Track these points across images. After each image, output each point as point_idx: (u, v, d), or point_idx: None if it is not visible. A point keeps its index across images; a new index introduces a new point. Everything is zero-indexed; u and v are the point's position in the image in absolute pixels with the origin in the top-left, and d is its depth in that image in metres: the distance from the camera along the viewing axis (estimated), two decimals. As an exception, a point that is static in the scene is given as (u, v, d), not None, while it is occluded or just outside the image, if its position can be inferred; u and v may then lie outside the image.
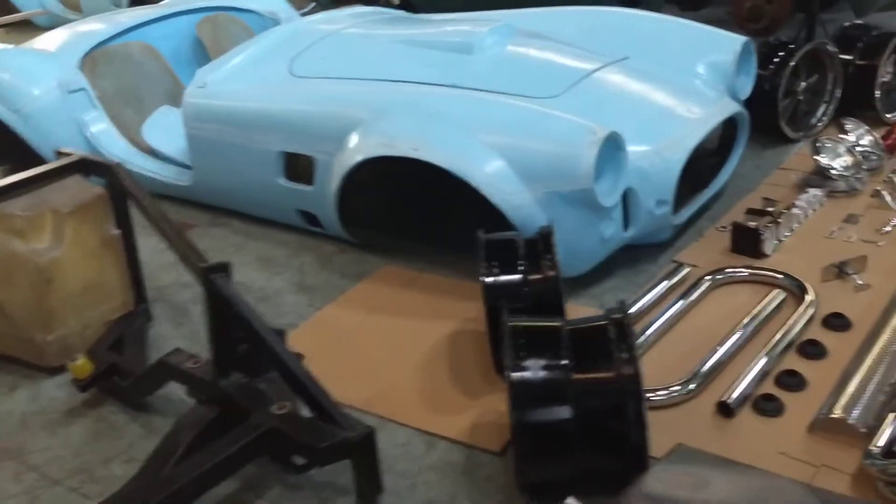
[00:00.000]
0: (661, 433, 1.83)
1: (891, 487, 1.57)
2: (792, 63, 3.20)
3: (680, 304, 2.30)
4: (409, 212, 2.61)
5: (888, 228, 2.58)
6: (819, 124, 3.38)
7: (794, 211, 2.68)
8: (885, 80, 3.40)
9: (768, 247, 2.52)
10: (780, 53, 3.27)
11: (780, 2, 3.99)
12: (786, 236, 2.61)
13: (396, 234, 2.75)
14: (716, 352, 2.06)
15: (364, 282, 2.65)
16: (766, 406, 1.88)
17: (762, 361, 2.00)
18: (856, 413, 1.75)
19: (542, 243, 2.15)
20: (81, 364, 2.09)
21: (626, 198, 2.43)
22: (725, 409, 1.87)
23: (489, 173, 2.29)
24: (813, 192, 2.80)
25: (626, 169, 2.33)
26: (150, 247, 2.66)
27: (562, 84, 2.66)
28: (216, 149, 3.00)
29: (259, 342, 1.75)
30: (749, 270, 2.41)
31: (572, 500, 1.46)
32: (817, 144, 2.91)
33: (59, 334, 2.26)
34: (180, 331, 2.47)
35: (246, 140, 2.87)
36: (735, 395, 1.89)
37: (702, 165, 2.94)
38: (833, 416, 1.76)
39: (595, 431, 1.51)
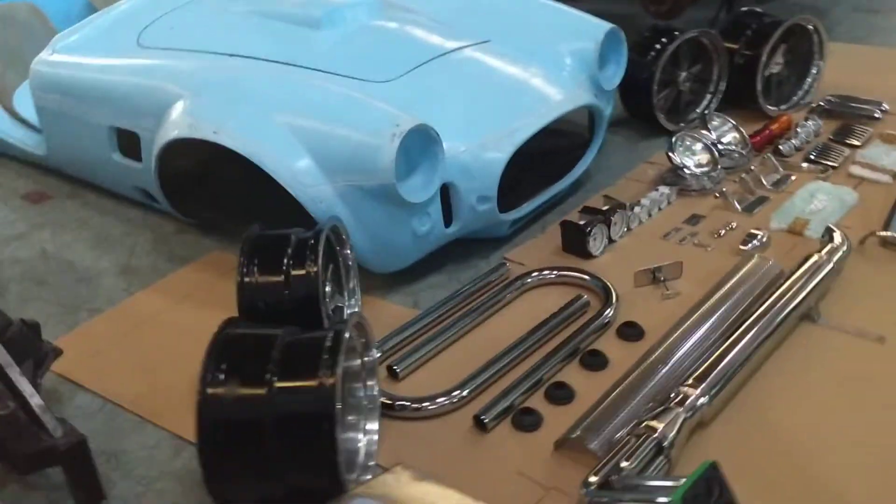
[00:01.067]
0: (417, 446, 1.81)
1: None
2: (668, 51, 3.10)
3: (487, 305, 2.26)
4: (229, 193, 2.54)
5: (723, 232, 2.51)
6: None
7: (636, 209, 2.62)
8: (774, 71, 3.30)
9: (595, 246, 2.45)
10: (663, 40, 3.17)
11: None
12: (620, 236, 2.55)
13: (223, 215, 2.69)
14: (499, 359, 2.02)
15: (187, 267, 2.59)
16: (524, 420, 1.83)
17: (539, 371, 1.96)
18: (597, 436, 1.71)
19: (335, 239, 2.10)
20: None
21: (447, 193, 2.38)
22: (480, 424, 1.83)
23: (287, 162, 2.21)
24: (662, 189, 2.72)
25: (440, 164, 2.24)
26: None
27: (401, 68, 2.56)
28: (60, 121, 2.92)
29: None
30: (557, 272, 2.35)
31: None
32: (675, 140, 2.83)
33: None
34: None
35: (82, 113, 2.78)
36: (494, 408, 1.85)
37: (559, 158, 2.88)
38: (573, 436, 1.72)
39: (291, 448, 1.46)
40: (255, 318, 1.82)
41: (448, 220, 2.39)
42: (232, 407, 1.46)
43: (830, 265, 2.13)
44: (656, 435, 1.61)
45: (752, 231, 2.44)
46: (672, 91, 3.24)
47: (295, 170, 2.21)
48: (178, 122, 2.39)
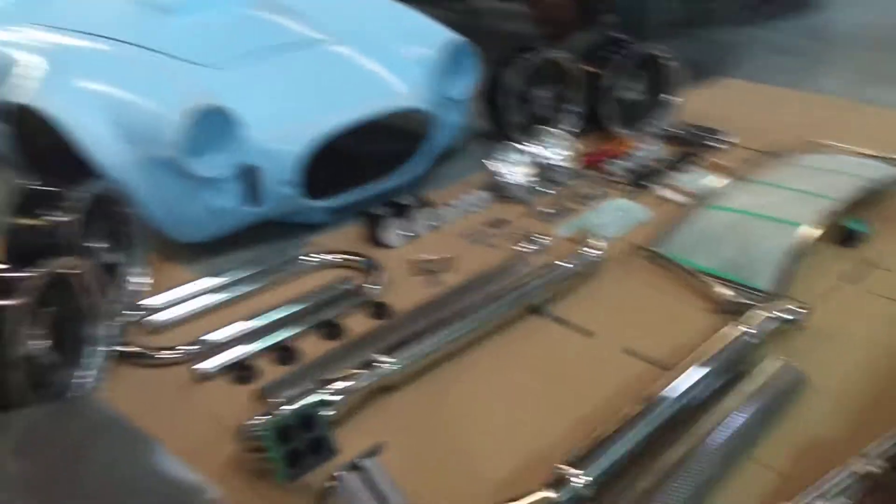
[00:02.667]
0: (142, 392, 1.97)
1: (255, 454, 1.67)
2: (523, 69, 3.28)
3: (268, 278, 2.44)
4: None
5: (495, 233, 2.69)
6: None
7: (445, 209, 2.79)
8: (630, 96, 3.46)
9: (390, 237, 2.62)
10: (525, 57, 3.34)
11: (565, 9, 4.02)
12: (425, 229, 2.71)
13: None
14: (248, 323, 2.20)
15: None
16: (240, 375, 2.00)
17: (276, 334, 2.14)
18: (281, 390, 1.87)
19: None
20: None
21: (252, 174, 2.56)
22: (199, 375, 2.00)
23: (91, 129, 2.42)
24: (479, 194, 2.90)
25: (237, 145, 2.44)
26: None
27: (236, 55, 2.77)
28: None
29: None
30: (342, 256, 2.52)
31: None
32: (500, 151, 2.99)
33: None
34: None
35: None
36: (215, 360, 2.03)
37: (395, 158, 3.03)
38: (264, 387, 1.90)
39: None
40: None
41: (254, 201, 2.58)
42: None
43: (569, 266, 2.29)
44: (324, 388, 1.77)
45: (536, 235, 2.60)
46: (528, 107, 3.41)
47: (96, 135, 2.42)
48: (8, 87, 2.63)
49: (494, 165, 2.95)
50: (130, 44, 2.72)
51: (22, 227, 2.05)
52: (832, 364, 1.99)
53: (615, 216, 2.72)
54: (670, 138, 3.38)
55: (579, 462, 1.55)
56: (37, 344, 1.82)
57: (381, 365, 1.87)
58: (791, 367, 1.85)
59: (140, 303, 2.29)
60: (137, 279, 2.36)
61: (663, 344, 2.06)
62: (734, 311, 2.11)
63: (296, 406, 1.65)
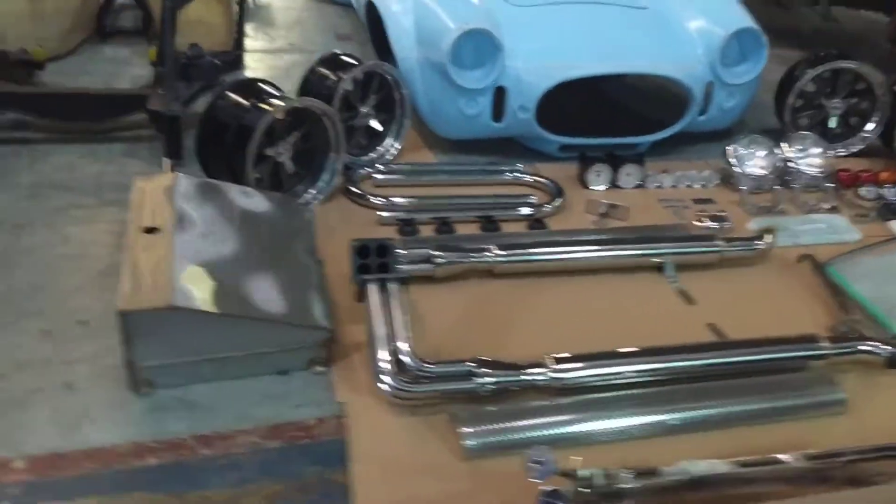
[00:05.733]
0: (336, 212, 2.67)
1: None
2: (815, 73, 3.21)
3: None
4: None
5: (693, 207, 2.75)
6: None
7: (665, 175, 2.98)
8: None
9: (592, 179, 2.92)
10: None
11: None
12: (631, 185, 2.94)
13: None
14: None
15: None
16: (404, 228, 2.56)
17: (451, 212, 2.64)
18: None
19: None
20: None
21: (501, 95, 3.03)
22: (379, 219, 2.59)
23: (399, 22, 3.16)
24: (707, 174, 3.01)
25: (497, 65, 2.94)
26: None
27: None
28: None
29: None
30: (524, 175, 2.90)
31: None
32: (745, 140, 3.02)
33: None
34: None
35: None
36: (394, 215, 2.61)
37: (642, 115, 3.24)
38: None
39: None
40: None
41: (497, 117, 3.07)
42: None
43: (717, 246, 2.39)
44: (438, 251, 2.25)
45: (722, 217, 2.68)
46: (819, 114, 3.32)
47: (401, 30, 3.14)
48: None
49: (735, 151, 3.02)
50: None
51: (314, 75, 2.87)
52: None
53: (817, 227, 2.66)
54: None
55: (563, 360, 1.81)
56: (282, 154, 2.59)
57: (488, 253, 2.28)
58: (836, 389, 1.81)
59: (382, 161, 2.98)
60: (391, 145, 3.05)
61: (750, 334, 2.08)
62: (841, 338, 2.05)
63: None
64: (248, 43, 4.44)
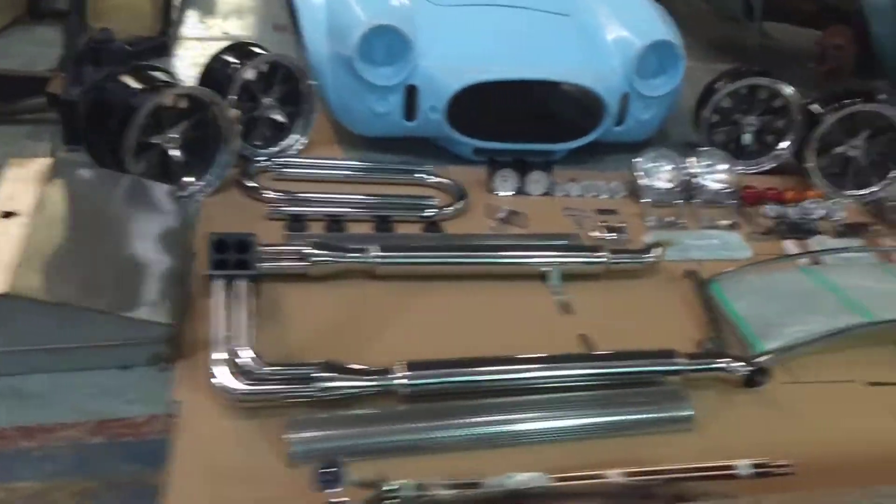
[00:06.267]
0: (225, 203, 2.63)
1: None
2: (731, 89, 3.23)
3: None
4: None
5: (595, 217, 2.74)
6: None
7: (573, 185, 2.96)
8: (852, 154, 3.15)
9: (499, 185, 2.89)
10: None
11: (845, 51, 3.59)
12: (537, 192, 2.91)
13: None
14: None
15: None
16: (294, 224, 2.51)
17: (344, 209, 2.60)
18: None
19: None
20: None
21: (413, 94, 2.99)
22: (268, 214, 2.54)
23: (312, 14, 3.13)
24: (615, 185, 2.99)
25: (405, 63, 2.90)
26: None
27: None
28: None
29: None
30: (430, 176, 2.89)
31: None
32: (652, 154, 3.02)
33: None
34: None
35: None
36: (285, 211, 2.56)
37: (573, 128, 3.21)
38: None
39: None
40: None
41: (410, 117, 3.03)
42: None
43: (602, 257, 2.37)
44: (317, 248, 2.20)
45: (620, 230, 2.67)
46: (735, 130, 3.31)
47: (314, 22, 3.12)
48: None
49: (641, 164, 3.00)
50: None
51: (216, 62, 2.82)
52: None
53: (710, 243, 2.65)
54: (879, 213, 3.04)
55: (413, 366, 1.77)
56: (171, 142, 2.53)
57: (368, 254, 2.24)
58: (684, 405, 1.79)
59: (285, 155, 2.93)
60: (296, 139, 2.99)
61: (620, 346, 2.03)
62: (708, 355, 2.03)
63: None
64: (183, 30, 4.39)
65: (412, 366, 1.76)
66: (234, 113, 2.63)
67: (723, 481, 1.48)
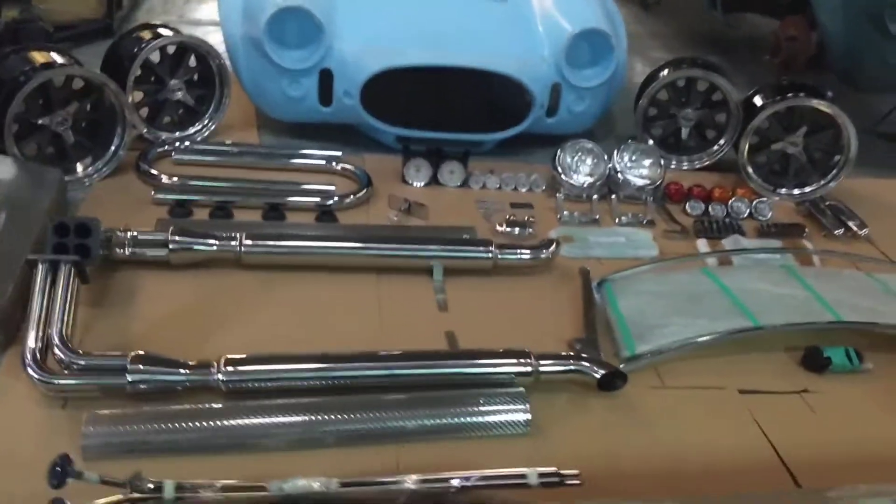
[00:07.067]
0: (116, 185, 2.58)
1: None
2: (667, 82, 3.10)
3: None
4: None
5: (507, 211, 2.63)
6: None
7: (492, 177, 2.85)
8: (789, 151, 3.00)
9: (412, 175, 2.79)
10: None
11: (802, 43, 3.41)
12: (453, 184, 2.81)
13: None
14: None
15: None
16: (179, 210, 2.44)
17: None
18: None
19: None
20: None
21: (328, 78, 2.89)
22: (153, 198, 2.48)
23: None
24: (537, 178, 2.87)
25: (317, 46, 2.81)
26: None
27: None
28: None
29: None
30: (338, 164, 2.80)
31: None
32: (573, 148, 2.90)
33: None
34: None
35: None
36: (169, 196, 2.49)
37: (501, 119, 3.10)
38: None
39: None
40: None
41: (326, 102, 2.94)
42: None
43: (489, 253, 2.27)
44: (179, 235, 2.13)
45: (527, 225, 2.56)
46: (672, 123, 3.18)
47: (230, 5, 2.99)
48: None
49: (563, 158, 2.89)
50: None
51: (122, 41, 2.79)
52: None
53: (616, 241, 2.53)
54: (811, 213, 2.88)
55: (233, 361, 1.69)
56: (62, 124, 2.47)
57: (233, 242, 2.15)
58: (523, 408, 1.69)
59: (195, 139, 2.86)
60: (207, 122, 2.91)
61: (488, 344, 1.92)
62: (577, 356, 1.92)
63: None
64: (141, 15, 4.34)
65: (230, 361, 1.68)
66: (125, 97, 2.57)
67: (516, 490, 1.38)
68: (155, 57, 2.79)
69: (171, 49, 2.82)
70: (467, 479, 1.36)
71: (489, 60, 2.97)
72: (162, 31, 2.85)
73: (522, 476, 1.36)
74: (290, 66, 2.84)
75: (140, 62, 2.70)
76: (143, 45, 2.73)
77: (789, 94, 3.00)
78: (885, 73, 3.09)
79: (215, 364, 1.68)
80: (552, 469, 1.40)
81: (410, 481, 1.36)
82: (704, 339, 1.96)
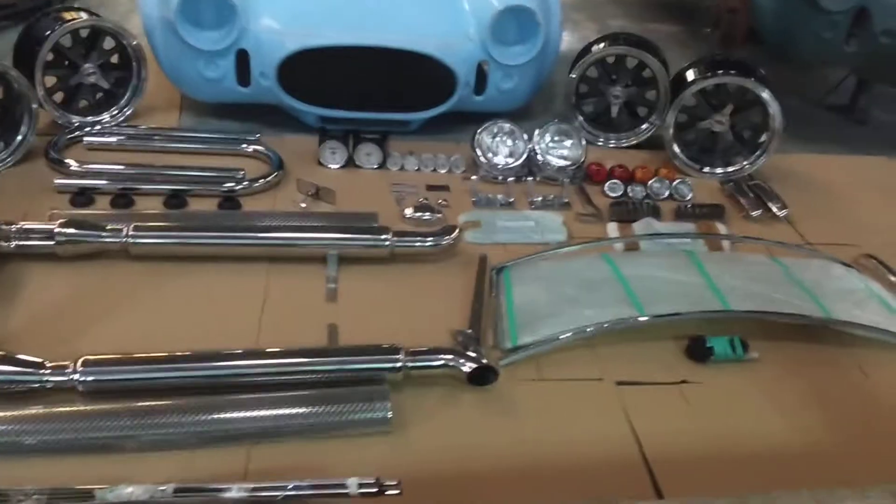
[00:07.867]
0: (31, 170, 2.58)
1: None
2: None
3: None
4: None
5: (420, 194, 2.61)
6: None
7: (410, 158, 2.82)
8: (717, 129, 2.96)
9: (326, 157, 2.78)
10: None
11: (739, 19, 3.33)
12: (369, 165, 2.80)
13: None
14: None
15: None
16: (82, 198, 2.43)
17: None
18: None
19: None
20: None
21: (245, 59, 2.86)
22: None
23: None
24: (457, 159, 2.84)
25: (231, 27, 2.78)
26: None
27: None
28: None
29: None
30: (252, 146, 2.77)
31: None
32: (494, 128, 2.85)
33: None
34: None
35: None
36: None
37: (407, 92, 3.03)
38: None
39: None
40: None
41: (244, 82, 2.91)
42: None
43: (386, 241, 2.26)
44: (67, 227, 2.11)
45: (435, 210, 2.53)
46: (602, 101, 3.14)
47: None
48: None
49: (482, 139, 2.85)
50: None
51: (29, 28, 2.73)
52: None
53: (524, 225, 2.49)
54: (733, 194, 2.84)
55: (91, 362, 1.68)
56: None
57: (121, 233, 2.13)
58: (384, 406, 1.68)
59: (99, 125, 2.83)
60: (124, 106, 2.90)
61: (371, 338, 1.89)
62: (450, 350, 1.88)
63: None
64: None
65: (88, 362, 1.67)
66: (27, 82, 2.53)
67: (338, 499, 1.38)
68: (66, 41, 2.75)
69: (84, 32, 2.78)
70: (300, 486, 1.36)
71: (409, 40, 2.92)
72: (76, 14, 2.81)
73: (343, 486, 1.36)
74: (204, 47, 2.81)
75: (50, 46, 2.67)
76: (54, 29, 2.70)
77: (719, 71, 2.96)
78: (817, 46, 3.01)
79: (72, 365, 1.67)
80: (373, 479, 1.40)
81: (239, 489, 1.37)
82: (582, 330, 1.94)
